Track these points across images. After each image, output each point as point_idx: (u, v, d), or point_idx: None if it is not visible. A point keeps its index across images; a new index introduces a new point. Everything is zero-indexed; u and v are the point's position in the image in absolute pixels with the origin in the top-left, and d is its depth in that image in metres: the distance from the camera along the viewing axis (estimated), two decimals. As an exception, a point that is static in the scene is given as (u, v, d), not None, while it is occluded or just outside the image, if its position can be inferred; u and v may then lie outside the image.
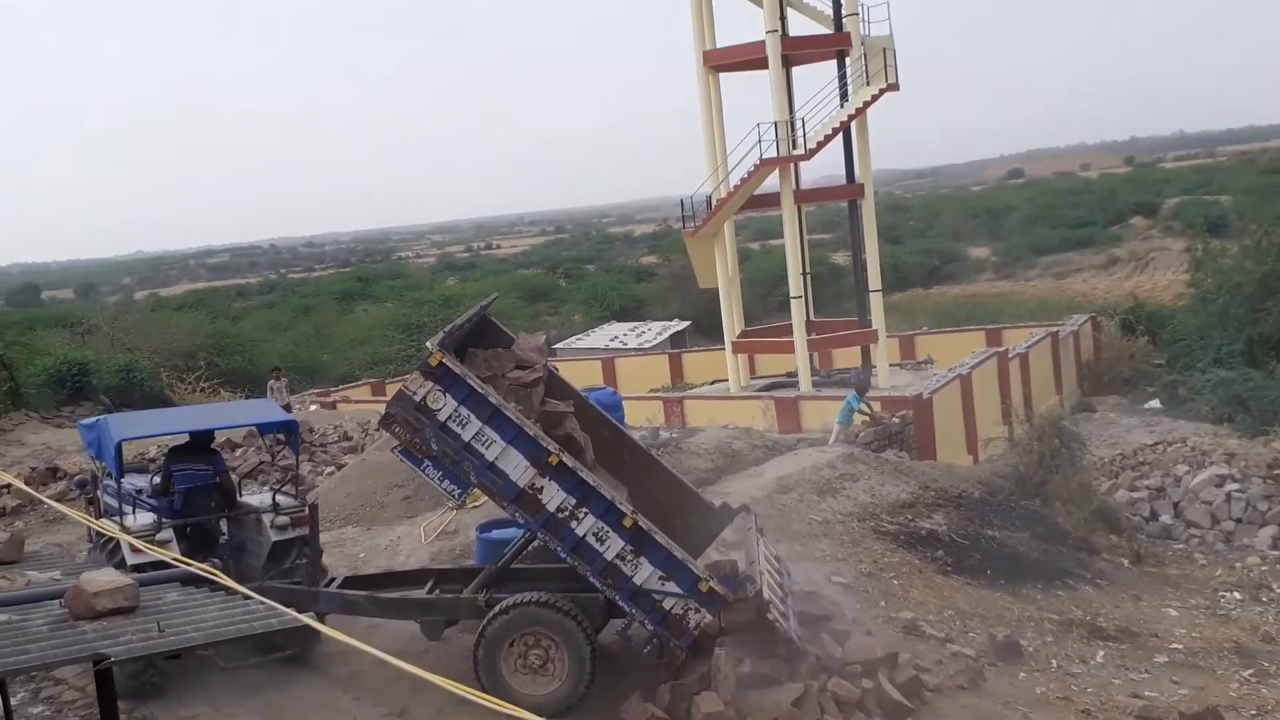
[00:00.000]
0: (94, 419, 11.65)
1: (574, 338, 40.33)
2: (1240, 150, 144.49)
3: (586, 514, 9.47)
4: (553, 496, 9.47)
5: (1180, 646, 12.22)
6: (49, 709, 9.76)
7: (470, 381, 9.45)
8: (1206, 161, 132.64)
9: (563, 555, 9.62)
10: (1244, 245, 26.54)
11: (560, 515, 9.48)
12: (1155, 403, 25.48)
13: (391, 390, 26.60)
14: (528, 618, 9.71)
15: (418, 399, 9.44)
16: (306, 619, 5.78)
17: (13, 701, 7.73)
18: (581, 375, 23.36)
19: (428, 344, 9.66)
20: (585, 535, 9.48)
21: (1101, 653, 11.86)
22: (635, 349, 36.92)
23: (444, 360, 9.38)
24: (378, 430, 20.54)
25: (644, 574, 9.49)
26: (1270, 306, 23.70)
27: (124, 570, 8.03)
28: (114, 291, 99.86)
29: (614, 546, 9.46)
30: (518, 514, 9.68)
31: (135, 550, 9.69)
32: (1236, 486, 16.11)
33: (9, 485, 17.76)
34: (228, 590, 6.78)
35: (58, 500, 16.71)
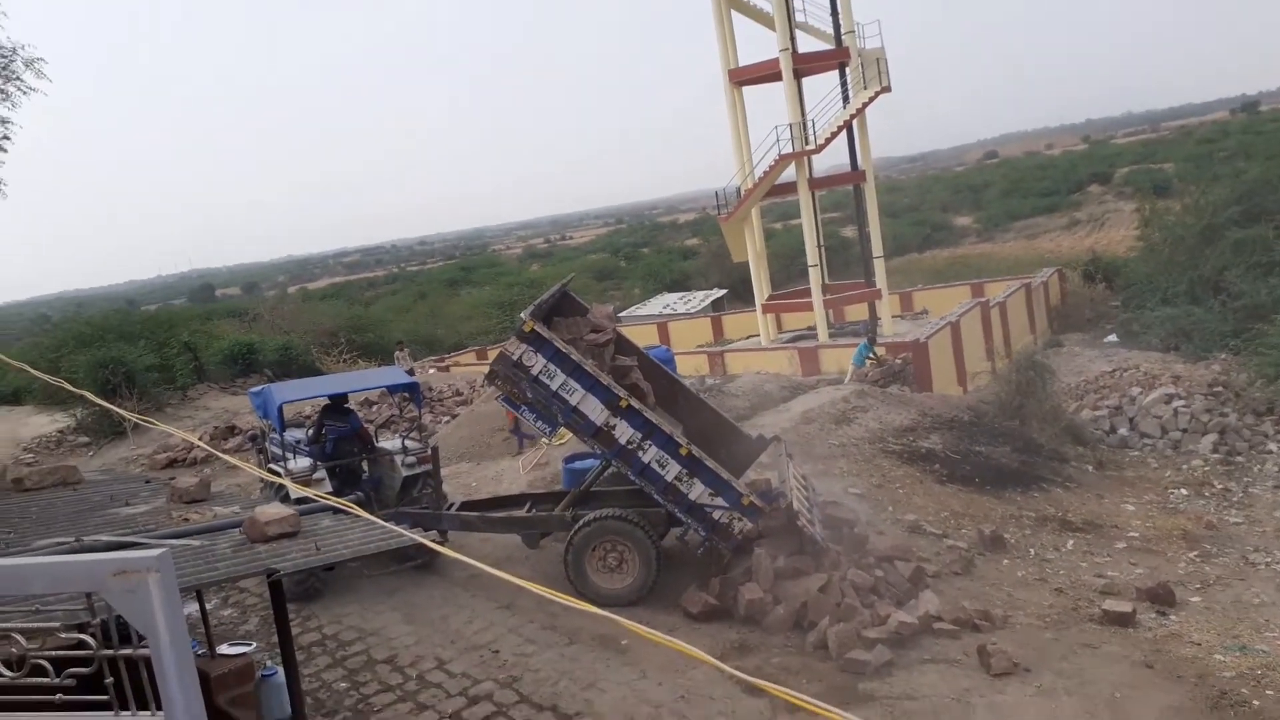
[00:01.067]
0: (260, 387, 11.88)
1: (634, 307, 40.13)
2: (1180, 124, 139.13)
3: (650, 445, 9.52)
4: (623, 432, 9.53)
5: (1136, 535, 12.00)
6: (236, 611, 10.06)
7: (556, 343, 9.50)
8: (1151, 136, 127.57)
9: (632, 478, 9.68)
10: (1184, 204, 25.65)
11: (629, 447, 9.54)
12: (1113, 337, 24.83)
13: (492, 355, 26.79)
14: (605, 529, 9.81)
15: (515, 357, 9.52)
16: (422, 538, 5.87)
17: (208, 606, 7.99)
18: (641, 337, 23.30)
19: (522, 314, 9.72)
20: (650, 462, 9.54)
21: (1071, 542, 11.69)
22: (683, 314, 36.68)
23: (535, 327, 9.45)
24: (483, 386, 20.76)
25: (697, 491, 9.54)
26: (1208, 253, 22.90)
27: (288, 504, 8.23)
28: (272, 287, 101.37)
29: (672, 470, 9.52)
30: (596, 446, 9.75)
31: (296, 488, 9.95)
32: (1182, 403, 15.70)
33: (195, 444, 18.27)
34: (371, 512, 6.92)
35: (235, 450, 17.19)
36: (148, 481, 8.97)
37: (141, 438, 20.48)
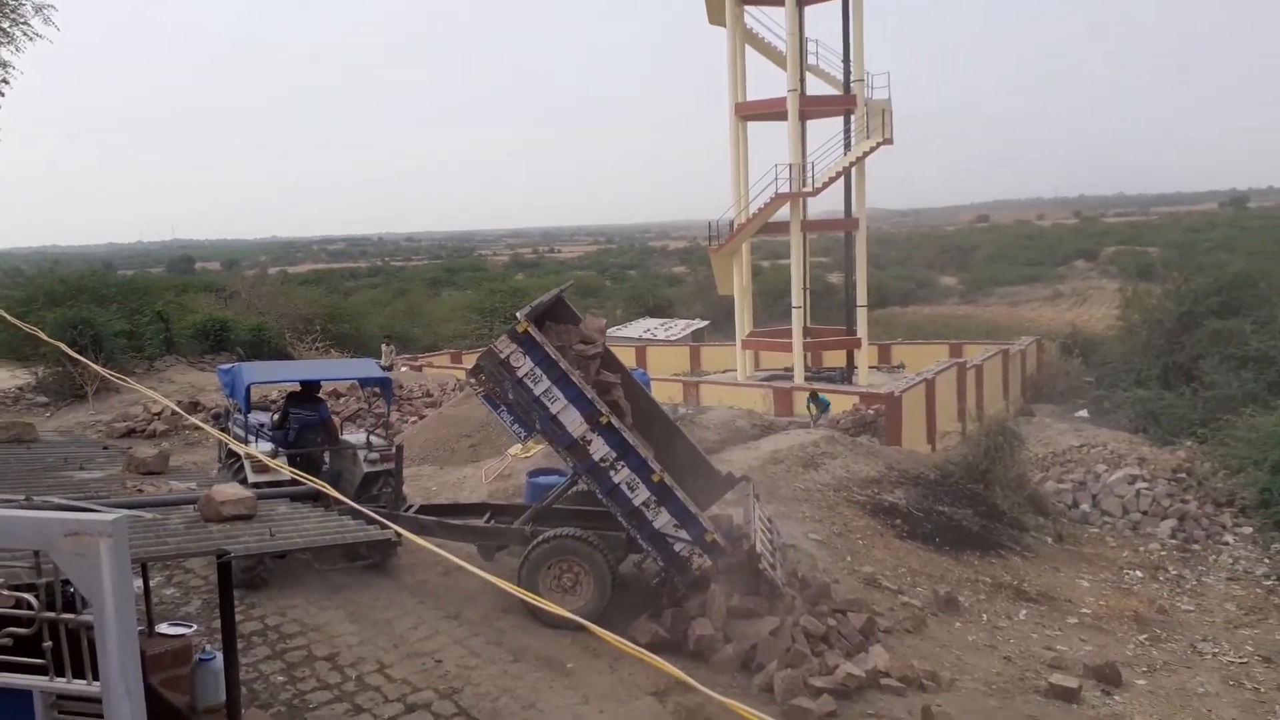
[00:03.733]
0: (230, 365, 11.75)
1: (615, 328, 40.22)
2: (1169, 211, 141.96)
3: (623, 466, 9.44)
4: (599, 449, 9.45)
5: (1089, 611, 12.10)
6: (179, 591, 9.90)
7: (546, 348, 9.43)
8: (1140, 219, 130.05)
9: (600, 497, 9.60)
10: (1166, 289, 26.16)
11: (602, 464, 9.46)
12: (1084, 412, 25.17)
13: (468, 359, 26.73)
14: (564, 547, 9.72)
15: (502, 356, 9.44)
16: (387, 533, 5.83)
17: (151, 583, 7.86)
18: (619, 358, 23.30)
19: (517, 314, 9.64)
20: (620, 483, 9.46)
21: (1024, 611, 11.77)
22: (663, 340, 36.83)
23: (529, 329, 9.40)
24: (453, 390, 20.67)
25: (662, 520, 9.47)
26: (1184, 340, 23.36)
27: (246, 486, 8.12)
28: (252, 267, 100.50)
29: (641, 495, 9.46)
30: (569, 459, 9.64)
31: (256, 470, 9.82)
32: (1145, 485, 15.90)
33: (160, 412, 18.04)
34: (326, 507, 6.84)
35: (197, 427, 16.97)
36: (105, 448, 8.82)
37: (101, 404, 20.19)
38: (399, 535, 9.84)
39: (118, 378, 8.65)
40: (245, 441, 10.74)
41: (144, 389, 9.35)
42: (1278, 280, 23.88)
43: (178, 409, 10.47)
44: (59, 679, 3.65)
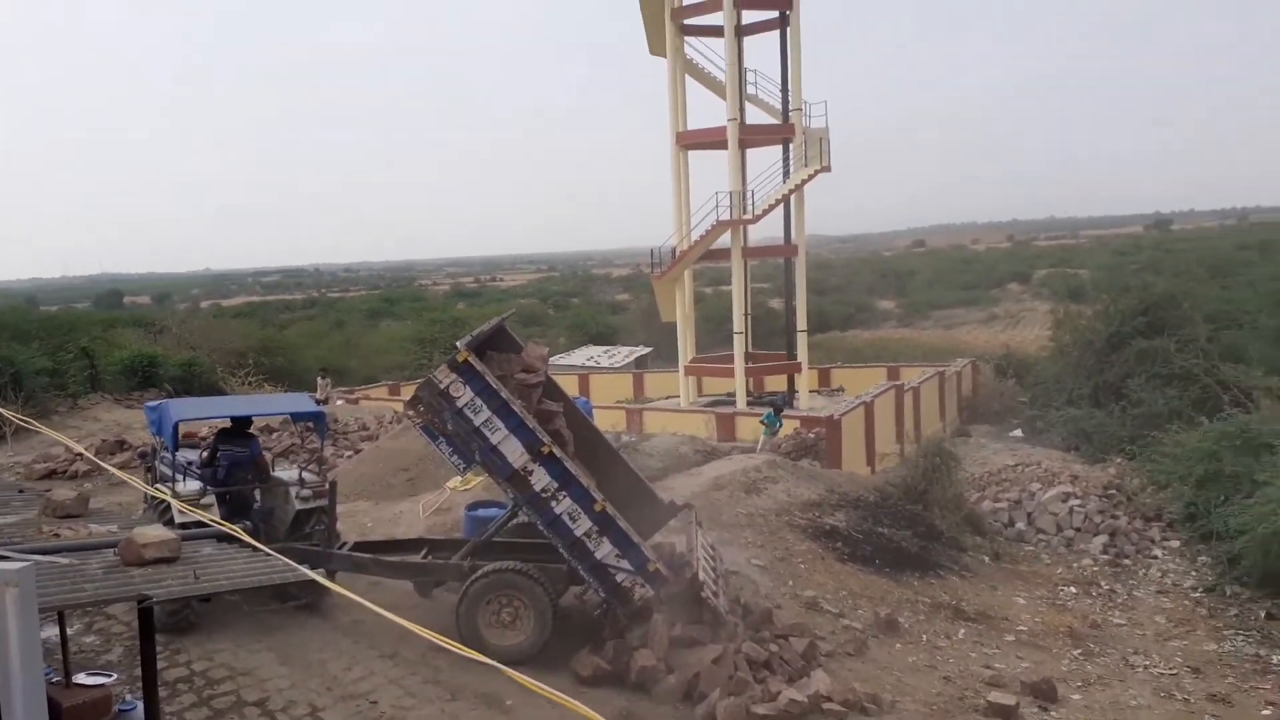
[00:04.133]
0: (157, 402, 11.47)
1: (558, 356, 40.11)
2: (1098, 234, 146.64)
3: (565, 496, 9.40)
4: (540, 479, 9.40)
5: (1025, 629, 12.32)
6: (99, 639, 9.56)
7: (487, 378, 9.36)
8: (1070, 242, 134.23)
9: (541, 528, 9.52)
10: (1096, 310, 26.91)
11: (544, 495, 9.41)
12: (1018, 432, 25.75)
13: (406, 391, 26.40)
14: (503, 581, 9.61)
15: (441, 386, 9.34)
16: (313, 575, 5.72)
17: (69, 631, 7.58)
18: (561, 386, 23.25)
19: (457, 343, 9.55)
20: (561, 514, 9.41)
21: (963, 630, 11.95)
22: (606, 367, 36.84)
23: (468, 358, 9.32)
24: (391, 423, 20.39)
25: (604, 550, 9.44)
26: (1113, 359, 24.01)
27: (171, 527, 7.91)
28: (184, 300, 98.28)
29: (583, 525, 9.41)
30: (509, 490, 9.56)
31: (181, 511, 9.57)
32: (1078, 502, 16.29)
33: (81, 454, 17.49)
34: (254, 548, 6.71)
35: (123, 467, 16.48)
36: (21, 491, 8.54)
37: (21, 444, 19.49)
38: (330, 575, 9.68)
39: (24, 421, 8.36)
40: (173, 481, 10.46)
41: (51, 432, 9.07)
42: (1200, 300, 24.75)
43: (85, 453, 10.14)
44: (-41, 737, 3.50)
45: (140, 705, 6.43)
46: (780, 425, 20.89)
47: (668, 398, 30.91)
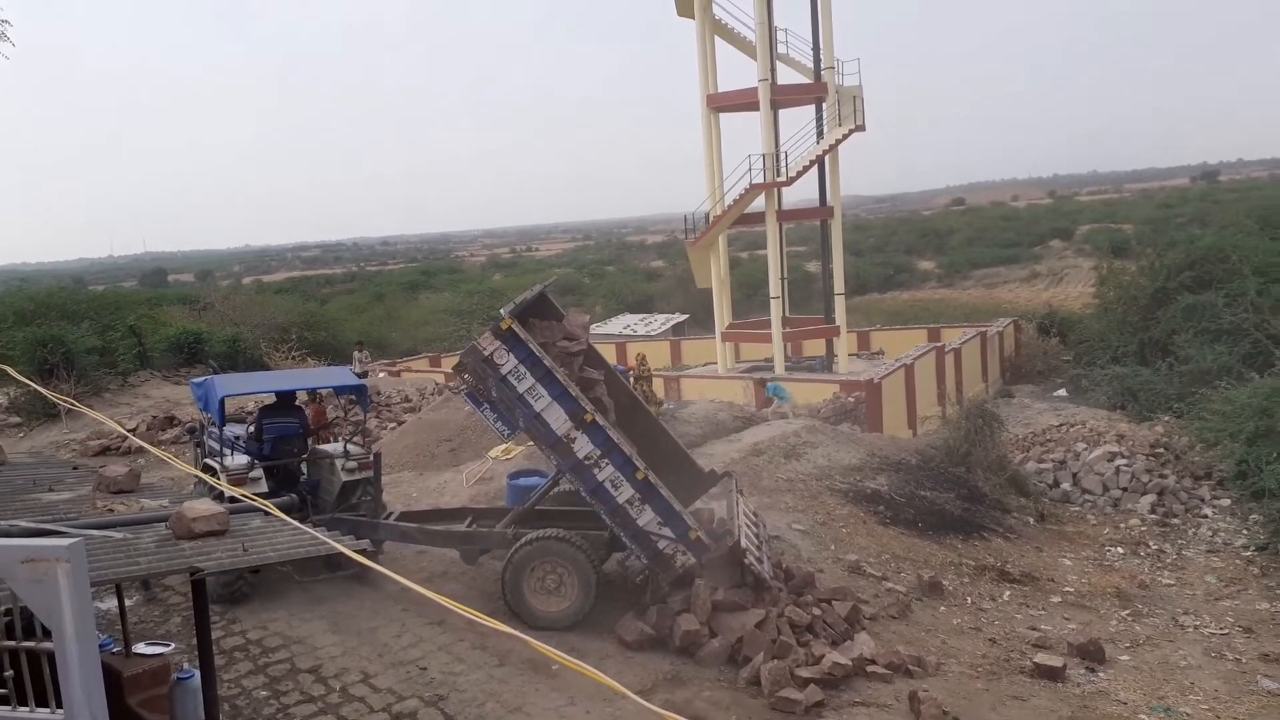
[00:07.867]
0: (203, 378, 11.64)
1: (595, 324, 40.21)
2: (1142, 188, 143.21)
3: (608, 464, 9.40)
4: (583, 446, 9.41)
5: (1072, 590, 12.19)
6: (159, 609, 9.80)
7: (530, 345, 9.37)
8: (1114, 196, 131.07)
9: (584, 495, 9.56)
10: (1140, 265, 26.32)
11: (586, 462, 9.42)
12: (1062, 391, 25.36)
13: (447, 363, 26.56)
14: (547, 549, 9.70)
15: (486, 353, 9.38)
16: (352, 552, 5.77)
17: (128, 602, 7.78)
18: (601, 354, 23.27)
19: (501, 310, 9.56)
20: (604, 481, 9.42)
21: (1008, 592, 11.85)
22: (643, 335, 36.83)
23: (512, 325, 9.34)
24: (432, 395, 20.58)
25: (646, 518, 9.45)
26: (1159, 316, 23.52)
27: (219, 501, 8.05)
28: (226, 277, 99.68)
29: (625, 493, 9.42)
30: (553, 457, 9.59)
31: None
32: (1124, 461, 16.02)
33: (135, 428, 17.86)
34: (304, 517, 6.80)
35: (172, 443, 16.82)
36: (75, 468, 8.73)
37: (75, 422, 19.96)
38: (378, 545, 9.82)
39: (71, 404, 8.53)
40: (221, 455, 10.65)
41: (93, 412, 9.22)
42: (1249, 253, 24.07)
43: (127, 433, 10.32)
44: (22, 708, 3.60)
45: (197, 674, 6.58)
46: (787, 395, 20.79)
47: (705, 364, 30.84)
